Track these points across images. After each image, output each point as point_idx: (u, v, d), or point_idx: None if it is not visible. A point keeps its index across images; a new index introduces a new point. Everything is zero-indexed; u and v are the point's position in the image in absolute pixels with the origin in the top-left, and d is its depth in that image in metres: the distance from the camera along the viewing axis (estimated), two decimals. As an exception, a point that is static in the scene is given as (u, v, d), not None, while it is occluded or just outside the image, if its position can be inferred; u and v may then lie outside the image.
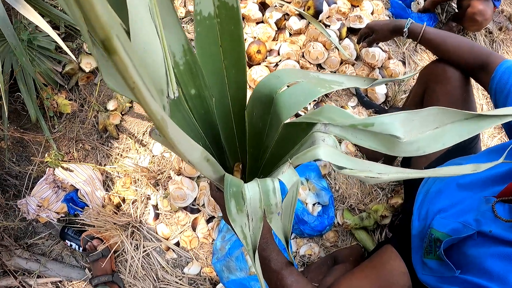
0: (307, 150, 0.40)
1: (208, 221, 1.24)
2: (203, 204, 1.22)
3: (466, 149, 0.98)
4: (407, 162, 1.08)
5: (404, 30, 0.97)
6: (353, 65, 1.39)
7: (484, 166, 0.35)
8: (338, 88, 0.48)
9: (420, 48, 1.52)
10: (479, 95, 1.52)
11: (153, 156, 1.32)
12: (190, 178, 1.24)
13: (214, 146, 0.59)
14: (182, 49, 0.45)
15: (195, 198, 1.23)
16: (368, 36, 1.11)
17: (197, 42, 0.49)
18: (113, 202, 1.29)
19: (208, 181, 1.18)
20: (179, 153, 0.32)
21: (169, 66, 0.36)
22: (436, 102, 0.96)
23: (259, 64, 1.35)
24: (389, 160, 1.23)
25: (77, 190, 1.29)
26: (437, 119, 0.36)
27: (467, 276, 0.62)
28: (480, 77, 0.87)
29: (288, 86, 0.51)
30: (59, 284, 1.27)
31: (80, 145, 1.39)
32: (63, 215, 1.33)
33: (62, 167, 1.26)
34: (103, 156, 1.37)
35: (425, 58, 1.51)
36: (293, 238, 1.22)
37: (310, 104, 1.33)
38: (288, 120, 0.50)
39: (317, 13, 1.37)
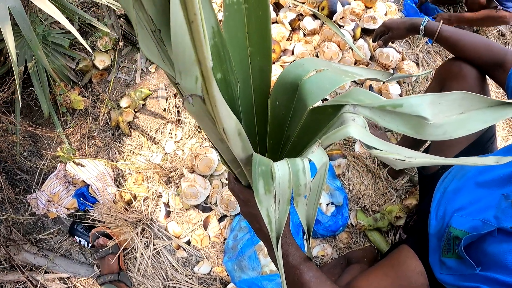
0: (338, 129, 0.39)
1: (220, 220, 1.21)
2: (215, 203, 1.20)
3: (483, 148, 0.96)
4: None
5: (420, 28, 0.95)
6: (367, 65, 1.38)
7: (506, 159, 0.34)
8: (360, 78, 0.48)
9: (433, 50, 1.51)
10: (492, 92, 1.50)
11: (165, 153, 1.30)
12: (203, 176, 1.22)
13: None
14: (212, 30, 0.44)
15: (208, 197, 1.21)
16: (384, 34, 1.09)
17: (225, 27, 0.48)
18: (124, 199, 1.27)
19: (227, 172, 1.17)
20: (217, 117, 0.31)
21: (205, 34, 0.37)
22: None
23: (274, 63, 1.33)
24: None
25: (88, 185, 1.27)
26: (463, 104, 0.36)
27: (488, 273, 0.61)
28: (497, 75, 0.86)
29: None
30: (67, 281, 1.25)
31: (92, 141, 1.37)
32: (73, 211, 1.30)
33: (74, 162, 1.24)
34: (115, 153, 1.35)
35: (438, 60, 1.50)
36: (305, 239, 1.19)
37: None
38: (313, 106, 0.49)
39: (331, 14, 1.36)
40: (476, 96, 0.35)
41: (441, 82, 1.00)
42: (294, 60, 1.34)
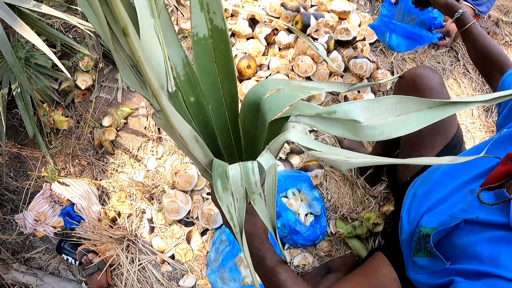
0: (280, 135, 0.44)
1: (202, 233, 1.24)
2: (197, 217, 1.22)
3: (452, 152, 0.98)
4: (392, 172, 1.08)
5: (458, 11, 0.94)
6: (341, 76, 1.41)
7: (462, 159, 0.36)
8: (318, 92, 0.53)
9: (408, 57, 1.54)
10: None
11: (147, 170, 1.32)
12: (183, 191, 1.25)
13: (212, 149, 0.64)
14: (182, 62, 0.53)
15: (189, 211, 1.23)
16: None
17: (195, 59, 0.55)
18: (108, 216, 1.29)
19: (209, 184, 1.19)
20: (173, 125, 0.37)
21: (168, 67, 0.44)
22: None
23: (250, 78, 1.36)
24: (376, 173, 1.23)
25: (73, 204, 1.29)
26: (399, 107, 0.39)
27: (458, 265, 0.63)
28: (494, 82, 0.88)
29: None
30: (56, 299, 1.26)
31: (76, 160, 1.40)
32: (60, 229, 1.33)
33: (59, 182, 1.27)
34: (99, 171, 1.37)
35: (414, 67, 1.52)
36: (286, 249, 1.22)
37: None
38: (277, 116, 0.55)
39: (305, 27, 1.39)
40: (413, 99, 0.38)
41: (400, 91, 1.01)
42: (270, 74, 1.37)
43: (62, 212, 1.30)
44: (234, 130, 0.64)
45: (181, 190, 1.24)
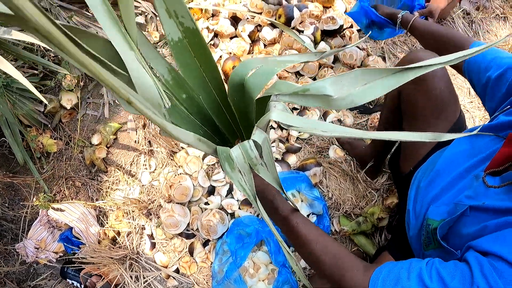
0: (264, 115, 0.49)
1: (204, 244, 1.20)
2: (197, 229, 1.18)
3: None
4: (395, 163, 1.03)
5: (398, 16, 1.01)
6: (331, 67, 1.34)
7: (448, 136, 0.38)
8: (291, 63, 0.58)
9: (399, 40, 1.46)
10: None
11: (142, 185, 1.28)
12: (181, 203, 1.20)
13: (213, 132, 0.72)
14: (167, 70, 0.60)
15: (188, 224, 1.19)
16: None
17: (177, 61, 0.61)
18: (108, 236, 1.25)
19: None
20: (180, 140, 0.44)
21: (159, 88, 0.50)
22: (415, 104, 0.91)
23: (237, 79, 1.30)
24: (377, 165, 1.18)
25: (71, 228, 1.26)
26: (365, 77, 0.43)
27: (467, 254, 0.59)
28: (458, 64, 0.83)
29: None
30: (66, 324, 1.24)
31: (70, 182, 1.36)
32: (62, 254, 1.30)
33: (53, 208, 1.23)
34: (94, 191, 1.33)
35: (406, 50, 1.45)
36: (294, 251, 1.17)
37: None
38: (257, 97, 0.61)
39: (288, 20, 1.32)
40: (376, 69, 0.42)
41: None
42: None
43: (61, 238, 1.26)
44: (227, 110, 0.70)
45: (178, 203, 1.20)
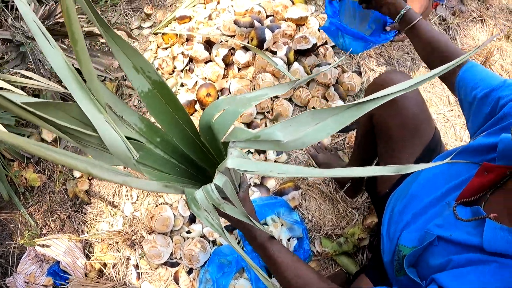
0: (223, 162, 0.52)
1: (189, 272, 1.20)
2: (181, 257, 1.18)
3: (431, 156, 0.92)
4: (372, 184, 1.02)
5: (403, 9, 0.86)
6: (307, 87, 1.32)
7: (414, 167, 0.37)
8: (262, 99, 0.58)
9: (375, 53, 1.44)
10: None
11: (125, 216, 1.28)
12: (163, 233, 1.20)
13: (191, 166, 0.75)
14: (139, 119, 0.62)
15: (172, 253, 1.19)
16: None
17: (149, 108, 0.63)
18: (95, 268, 1.25)
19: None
20: (146, 189, 0.49)
21: (126, 142, 0.52)
22: (387, 126, 0.89)
23: (212, 105, 1.29)
24: (356, 185, 1.17)
25: (58, 262, 1.26)
26: (315, 118, 0.44)
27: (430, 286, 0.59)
28: (448, 78, 0.81)
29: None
30: None
31: (56, 215, 1.36)
32: (52, 287, 1.30)
33: (39, 245, 1.23)
34: (79, 223, 1.33)
35: (382, 62, 1.43)
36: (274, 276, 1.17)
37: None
38: (222, 140, 0.63)
39: (261, 42, 1.30)
40: (326, 109, 0.43)
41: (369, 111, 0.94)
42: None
43: (49, 272, 1.27)
44: (203, 146, 0.73)
45: (160, 233, 1.19)
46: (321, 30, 1.41)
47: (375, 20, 1.20)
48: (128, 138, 0.59)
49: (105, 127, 0.52)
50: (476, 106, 0.71)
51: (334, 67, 1.29)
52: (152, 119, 1.31)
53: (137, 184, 0.47)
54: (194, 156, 0.74)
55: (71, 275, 1.24)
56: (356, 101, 0.41)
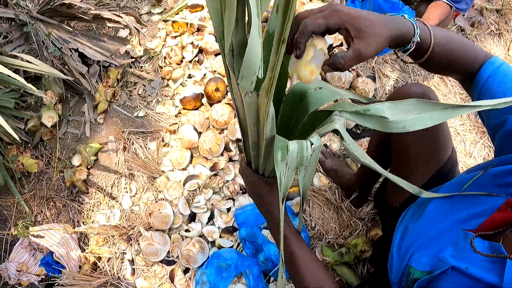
0: (329, 124, 0.50)
1: (185, 271, 1.15)
2: (178, 256, 1.13)
3: (446, 176, 0.86)
4: (381, 197, 0.96)
5: (412, 40, 0.51)
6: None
7: (426, 194, 0.41)
8: (340, 97, 0.60)
9: (390, 59, 1.37)
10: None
11: (123, 209, 1.22)
12: (161, 230, 1.15)
13: None
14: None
15: (169, 251, 1.14)
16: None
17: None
18: (89, 261, 1.20)
19: (240, 157, 1.26)
20: (265, 106, 0.44)
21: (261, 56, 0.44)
22: (403, 140, 0.84)
23: (220, 101, 1.22)
24: (363, 195, 1.11)
25: (52, 252, 1.21)
26: (418, 107, 0.46)
27: None
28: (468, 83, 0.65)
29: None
30: None
31: (52, 203, 1.30)
32: (44, 277, 1.25)
33: (33, 236, 1.17)
34: (75, 212, 1.27)
35: (397, 69, 1.36)
36: (272, 281, 1.13)
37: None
38: (314, 110, 0.60)
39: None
40: (429, 102, 0.46)
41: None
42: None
43: (42, 262, 1.22)
44: (276, 108, 0.68)
45: (158, 230, 1.14)
46: (337, 31, 1.33)
47: None
48: None
49: (256, 33, 0.39)
50: (507, 134, 0.61)
51: (349, 71, 1.23)
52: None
53: (263, 98, 0.43)
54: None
55: (64, 267, 1.19)
56: (454, 104, 0.44)
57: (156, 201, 1.17)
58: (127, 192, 1.24)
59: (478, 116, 1.31)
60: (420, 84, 0.83)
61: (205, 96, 1.23)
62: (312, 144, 0.50)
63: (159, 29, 1.48)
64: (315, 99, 0.60)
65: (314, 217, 1.15)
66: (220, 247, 1.13)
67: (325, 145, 1.24)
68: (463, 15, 1.41)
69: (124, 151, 1.24)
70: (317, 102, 0.60)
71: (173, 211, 1.15)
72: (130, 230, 1.17)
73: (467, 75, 0.62)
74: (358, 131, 1.24)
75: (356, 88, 1.25)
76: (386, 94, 1.31)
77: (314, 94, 0.61)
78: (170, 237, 1.15)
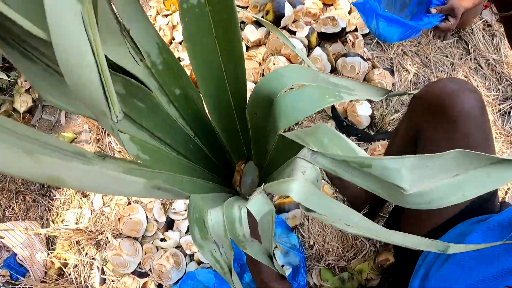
0: (281, 181, 0.32)
1: (159, 286, 0.97)
2: (150, 269, 0.95)
3: (483, 205, 0.65)
4: (395, 223, 0.75)
5: None
6: (327, 81, 1.04)
7: (455, 249, 0.28)
8: (349, 98, 0.40)
9: (410, 51, 1.13)
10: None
11: (93, 210, 1.05)
12: (133, 238, 0.97)
13: (210, 145, 0.55)
14: (157, 47, 0.41)
15: (140, 263, 0.96)
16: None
17: (185, 34, 0.42)
18: (55, 266, 1.05)
19: None
20: (114, 194, 0.32)
21: (108, 86, 0.26)
22: (436, 150, 0.62)
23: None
24: (373, 211, 0.90)
25: (15, 254, 1.05)
26: (462, 164, 0.27)
27: None
28: None
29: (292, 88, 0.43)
30: None
31: (21, 197, 1.15)
32: (9, 278, 1.10)
33: (-7, 232, 1.02)
34: (45, 209, 1.11)
35: (417, 62, 1.12)
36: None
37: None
38: (282, 131, 0.42)
39: (278, 18, 1.01)
40: (473, 154, 0.26)
41: (418, 119, 0.66)
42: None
43: (4, 264, 1.07)
44: (241, 120, 0.52)
45: (128, 236, 0.97)
46: (352, 14, 1.10)
47: (418, 2, 0.90)
48: (123, 72, 0.37)
49: (72, 29, 0.24)
50: None
51: (364, 60, 1.00)
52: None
53: (93, 184, 0.23)
54: (222, 132, 0.52)
55: (28, 271, 1.04)
56: (508, 157, 0.24)
57: (129, 203, 1.00)
58: (99, 190, 1.07)
59: (505, 123, 1.06)
60: (459, 80, 0.61)
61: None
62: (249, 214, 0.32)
63: (150, 7, 1.29)
64: (285, 110, 0.41)
65: (313, 233, 0.94)
66: (199, 263, 0.94)
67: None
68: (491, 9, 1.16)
69: (97, 143, 1.06)
70: (288, 116, 0.40)
71: (147, 217, 0.97)
72: (98, 235, 1.00)
73: None
74: (372, 132, 1.02)
75: (371, 81, 1.02)
76: (403, 88, 1.08)
77: (285, 100, 0.42)
78: (142, 246, 0.97)
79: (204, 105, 0.50)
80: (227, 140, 0.56)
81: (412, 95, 0.71)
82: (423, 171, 0.27)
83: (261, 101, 0.45)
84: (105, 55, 0.30)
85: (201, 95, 0.49)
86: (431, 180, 0.27)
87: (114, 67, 0.37)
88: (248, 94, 0.48)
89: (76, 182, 0.21)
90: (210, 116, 0.52)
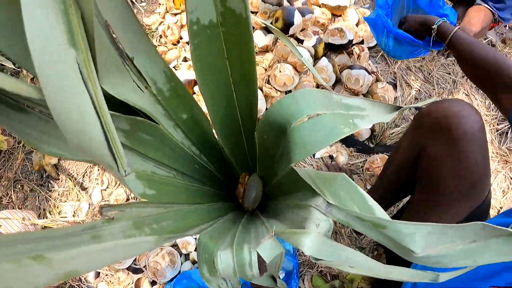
0: (294, 231, 0.31)
1: (153, 283, 0.96)
2: (145, 266, 0.94)
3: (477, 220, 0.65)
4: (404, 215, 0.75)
5: (433, 27, 0.72)
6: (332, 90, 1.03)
7: (445, 277, 0.30)
8: (362, 126, 0.39)
9: (414, 66, 1.13)
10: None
11: (91, 203, 1.03)
12: (130, 234, 0.95)
13: (217, 164, 0.54)
14: (164, 75, 0.39)
15: (136, 259, 0.95)
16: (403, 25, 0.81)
17: (194, 56, 0.40)
18: (49, 255, 1.03)
19: None
20: (129, 258, 0.37)
21: (114, 140, 0.24)
22: (439, 170, 0.62)
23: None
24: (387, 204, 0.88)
25: (9, 241, 1.03)
26: (481, 234, 0.26)
27: None
28: (503, 99, 0.60)
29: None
30: None
31: (19, 186, 1.12)
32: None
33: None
34: (43, 199, 1.09)
35: (420, 78, 1.12)
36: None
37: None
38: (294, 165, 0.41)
39: (287, 26, 1.00)
40: (497, 230, 0.25)
41: (421, 138, 0.66)
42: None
43: (-2, 250, 1.04)
44: (249, 143, 0.51)
45: (126, 234, 0.95)
46: (359, 26, 1.10)
47: None
48: (128, 106, 0.35)
49: (65, 85, 0.21)
50: None
51: (369, 73, 1.00)
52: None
53: (108, 260, 0.24)
54: (230, 151, 0.52)
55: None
56: None
57: (127, 199, 0.98)
58: (98, 184, 1.05)
59: (502, 143, 1.07)
60: (463, 102, 0.61)
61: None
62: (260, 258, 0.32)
63: (160, 4, 1.26)
64: (303, 140, 0.40)
65: (307, 240, 0.94)
66: (194, 262, 0.93)
67: (331, 157, 1.02)
68: (505, 25, 1.16)
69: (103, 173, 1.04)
70: (306, 147, 0.39)
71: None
72: (95, 228, 0.98)
73: (498, 86, 0.60)
74: (371, 145, 1.02)
75: (374, 94, 1.02)
76: (405, 103, 1.08)
77: (300, 132, 0.40)
78: (139, 243, 0.95)
79: (211, 125, 0.49)
80: (231, 154, 0.55)
81: (418, 111, 0.71)
82: (440, 239, 0.27)
83: (273, 126, 0.43)
84: (107, 92, 0.28)
85: (208, 116, 0.47)
86: (446, 245, 0.27)
87: (115, 99, 0.34)
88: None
89: (93, 265, 0.22)
90: (217, 137, 0.50)
